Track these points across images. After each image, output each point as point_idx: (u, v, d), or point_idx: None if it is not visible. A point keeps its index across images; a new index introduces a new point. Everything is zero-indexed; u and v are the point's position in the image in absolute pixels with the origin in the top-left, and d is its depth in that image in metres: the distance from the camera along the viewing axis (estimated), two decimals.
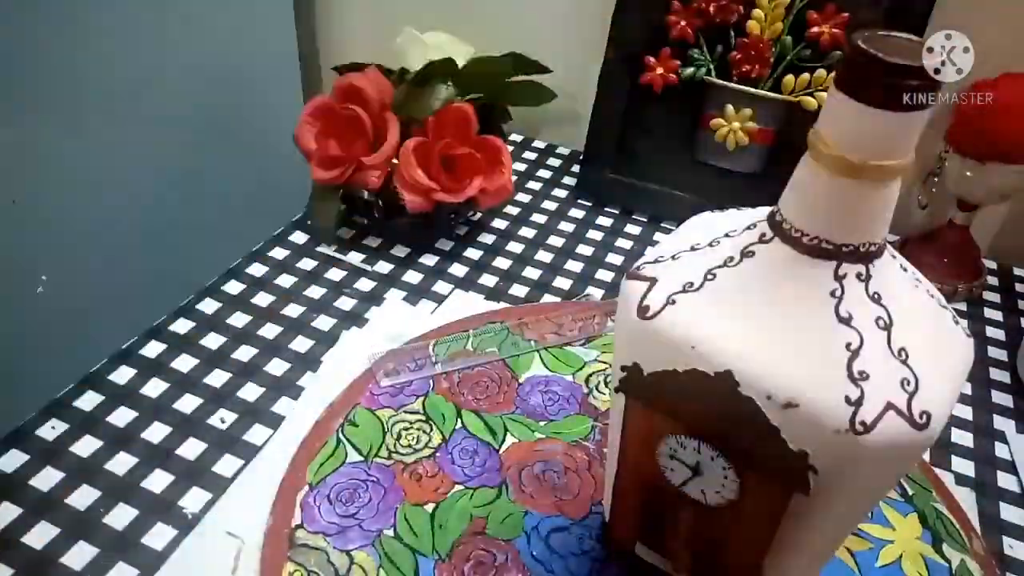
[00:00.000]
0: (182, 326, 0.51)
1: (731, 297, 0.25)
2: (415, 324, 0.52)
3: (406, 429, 0.44)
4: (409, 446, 0.43)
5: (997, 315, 0.59)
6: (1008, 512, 0.44)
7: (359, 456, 0.42)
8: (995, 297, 0.61)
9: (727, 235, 0.27)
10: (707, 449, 0.26)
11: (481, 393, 0.47)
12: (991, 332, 0.57)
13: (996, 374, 0.53)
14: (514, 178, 0.71)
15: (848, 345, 0.24)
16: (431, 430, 0.44)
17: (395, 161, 0.56)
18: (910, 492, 0.43)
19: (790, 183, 0.25)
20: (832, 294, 0.24)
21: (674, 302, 0.26)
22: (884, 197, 0.23)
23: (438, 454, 0.43)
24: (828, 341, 0.24)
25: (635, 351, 0.27)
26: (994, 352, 0.55)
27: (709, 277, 0.26)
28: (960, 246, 0.60)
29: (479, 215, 0.65)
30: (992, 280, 0.63)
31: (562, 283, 0.59)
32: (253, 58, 0.76)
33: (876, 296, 0.24)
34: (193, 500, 0.41)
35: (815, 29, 0.58)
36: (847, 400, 0.23)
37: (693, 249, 0.28)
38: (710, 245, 0.27)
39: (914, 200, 0.59)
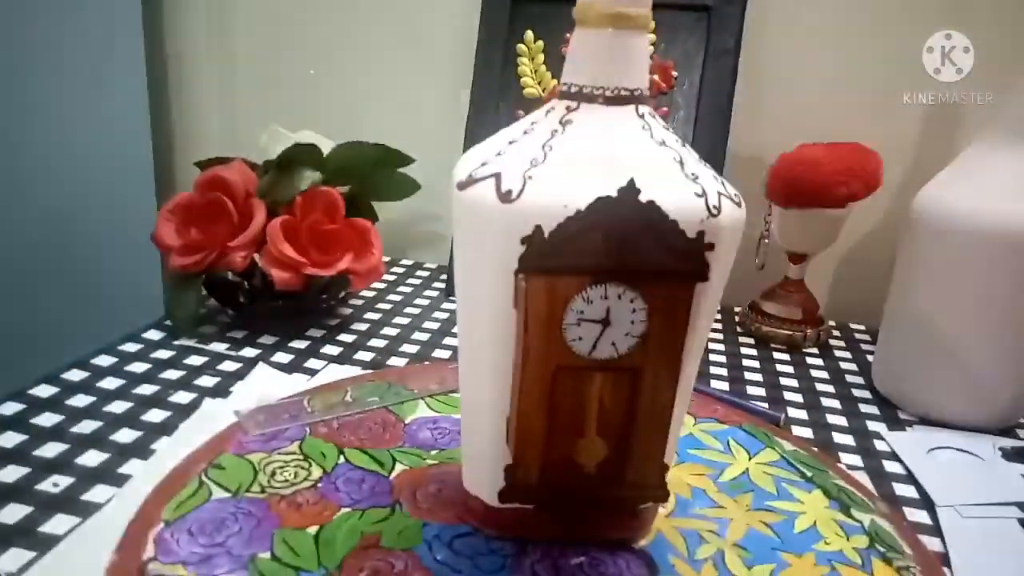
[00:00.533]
0: (9, 408, 0.44)
1: (574, 154, 0.27)
2: (287, 389, 0.49)
3: (281, 468, 0.39)
4: (286, 481, 0.38)
5: (846, 354, 0.64)
6: (901, 488, 0.45)
7: (226, 494, 0.37)
8: (840, 343, 0.67)
9: (532, 124, 0.29)
10: (613, 288, 0.26)
11: (364, 434, 0.43)
12: (844, 365, 0.62)
13: (858, 392, 0.57)
14: (383, 285, 0.71)
15: (674, 159, 0.27)
16: (310, 466, 0.40)
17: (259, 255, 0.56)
18: (809, 474, 0.43)
19: (568, 59, 0.28)
20: (643, 128, 0.28)
21: (531, 177, 0.27)
22: (642, 46, 0.28)
23: (320, 484, 0.38)
24: (661, 160, 0.27)
25: (524, 226, 0.27)
26: (852, 379, 0.59)
27: (548, 149, 0.28)
28: (800, 297, 0.66)
29: (349, 311, 0.64)
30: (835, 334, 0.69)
31: (443, 355, 0.58)
32: (110, 160, 0.74)
33: (665, 127, 0.29)
34: (11, 560, 0.33)
35: None
36: (696, 195, 0.26)
37: (511, 143, 0.29)
38: (524, 134, 0.29)
39: (752, 266, 0.65)
